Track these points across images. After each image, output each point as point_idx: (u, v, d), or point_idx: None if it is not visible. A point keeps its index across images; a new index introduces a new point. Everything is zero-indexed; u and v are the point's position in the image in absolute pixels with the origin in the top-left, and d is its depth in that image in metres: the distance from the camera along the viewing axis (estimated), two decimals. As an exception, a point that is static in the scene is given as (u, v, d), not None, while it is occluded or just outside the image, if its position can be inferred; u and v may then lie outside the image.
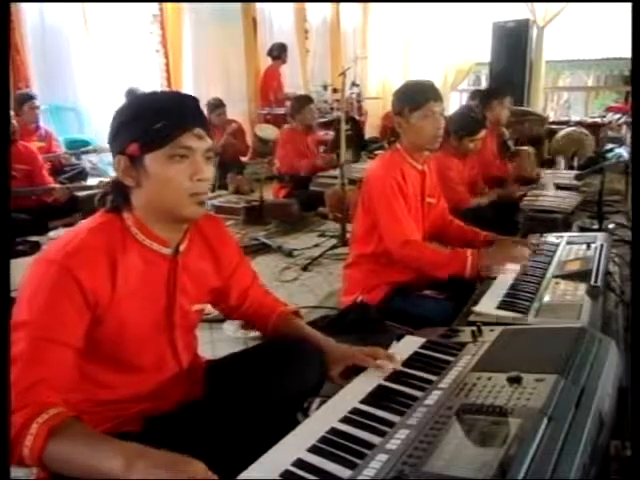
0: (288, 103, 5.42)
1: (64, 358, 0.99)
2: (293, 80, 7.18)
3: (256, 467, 0.88)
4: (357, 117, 7.11)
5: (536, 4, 7.26)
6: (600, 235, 2.14)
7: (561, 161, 5.30)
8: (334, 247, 3.48)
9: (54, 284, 0.99)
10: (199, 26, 6.16)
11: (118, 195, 1.13)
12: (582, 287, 1.60)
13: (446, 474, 0.78)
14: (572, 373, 1.00)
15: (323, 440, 0.93)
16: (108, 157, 5.24)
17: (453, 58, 8.24)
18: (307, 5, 7.75)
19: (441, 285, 2.05)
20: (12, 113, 3.84)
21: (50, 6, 4.95)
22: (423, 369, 1.17)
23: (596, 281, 1.63)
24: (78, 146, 4.87)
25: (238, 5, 6.59)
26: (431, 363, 1.19)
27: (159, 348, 1.19)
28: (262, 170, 4.45)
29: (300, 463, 0.87)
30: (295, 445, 0.92)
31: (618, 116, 6.57)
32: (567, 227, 2.89)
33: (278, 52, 6.53)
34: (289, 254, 3.49)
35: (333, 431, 0.96)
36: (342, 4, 8.37)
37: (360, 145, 6.30)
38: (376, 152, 5.02)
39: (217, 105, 5.29)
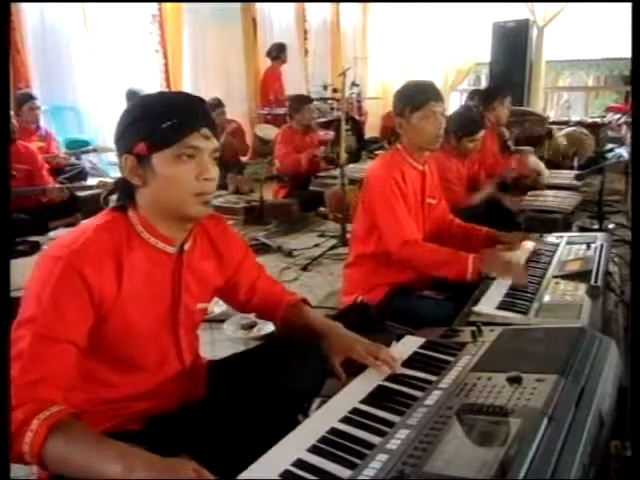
0: (288, 103, 5.42)
1: (67, 356, 0.99)
2: (293, 80, 7.18)
3: (256, 467, 0.88)
4: (357, 117, 7.12)
5: (536, 4, 7.26)
6: (600, 235, 2.14)
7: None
8: (334, 247, 3.48)
9: (59, 281, 0.99)
10: (199, 26, 6.16)
11: (124, 194, 1.14)
12: (582, 287, 1.60)
13: (446, 474, 0.78)
14: (572, 373, 1.00)
15: (323, 440, 0.93)
16: (108, 157, 5.26)
17: (453, 58, 8.24)
18: (307, 5, 7.75)
19: (441, 285, 2.04)
20: (12, 113, 3.84)
21: (50, 6, 4.94)
22: (423, 369, 1.17)
23: (596, 281, 1.63)
24: (78, 146, 4.86)
25: (238, 5, 6.59)
26: (431, 363, 1.20)
27: (163, 347, 1.20)
28: (262, 170, 4.45)
29: (300, 463, 0.87)
30: (295, 445, 0.92)
31: (618, 116, 6.57)
32: (567, 227, 2.89)
33: (277, 52, 6.52)
34: (289, 254, 3.49)
35: (333, 431, 0.96)
36: (342, 4, 8.37)
37: (360, 145, 6.31)
38: (376, 152, 5.01)
39: (216, 105, 5.28)
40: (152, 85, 5.70)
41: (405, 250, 1.95)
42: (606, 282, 1.73)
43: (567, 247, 2.04)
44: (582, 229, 2.93)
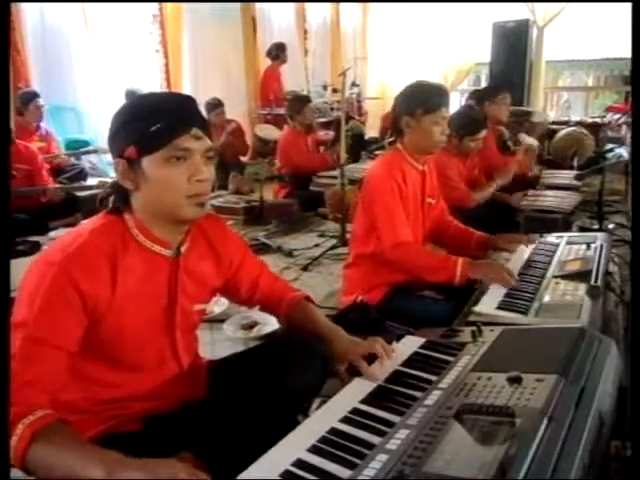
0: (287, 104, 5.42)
1: (56, 361, 0.99)
2: (293, 80, 7.17)
3: (256, 467, 0.87)
4: (357, 117, 7.11)
5: (536, 4, 7.26)
6: (600, 235, 2.14)
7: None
8: (334, 247, 3.48)
9: (52, 287, 0.99)
10: (199, 26, 6.16)
11: (119, 197, 1.13)
12: (582, 287, 1.59)
13: (446, 474, 0.78)
14: (572, 373, 1.00)
15: (323, 440, 0.93)
16: (108, 157, 5.24)
17: (453, 58, 8.24)
18: (307, 5, 7.75)
19: (441, 285, 2.04)
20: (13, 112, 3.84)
21: (50, 6, 4.94)
22: (423, 369, 1.17)
23: (596, 281, 1.63)
24: (78, 146, 4.87)
25: (238, 5, 6.59)
26: (431, 363, 1.19)
27: (159, 348, 1.19)
28: (262, 170, 4.45)
29: (300, 463, 0.87)
30: (295, 445, 0.92)
31: (618, 116, 6.57)
32: (567, 227, 2.89)
33: (277, 52, 6.52)
34: (289, 254, 3.49)
35: (333, 431, 0.96)
36: (342, 4, 8.37)
37: (360, 145, 6.30)
38: (376, 152, 5.01)
39: (215, 105, 5.29)
40: (152, 85, 5.70)
41: (396, 251, 1.95)
42: (606, 282, 1.73)
43: (567, 247, 2.04)
44: (582, 229, 2.93)
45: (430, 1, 8.02)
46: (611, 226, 3.19)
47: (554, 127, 5.90)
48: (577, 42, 7.99)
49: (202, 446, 1.06)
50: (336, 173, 3.95)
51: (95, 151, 4.83)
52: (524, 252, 2.04)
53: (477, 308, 1.57)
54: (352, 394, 1.09)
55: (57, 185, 3.95)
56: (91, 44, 5.25)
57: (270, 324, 2.21)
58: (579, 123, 6.15)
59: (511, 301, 1.59)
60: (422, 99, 1.97)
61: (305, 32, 7.77)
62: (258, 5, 6.90)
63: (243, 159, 5.76)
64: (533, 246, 2.10)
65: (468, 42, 8.02)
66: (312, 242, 3.75)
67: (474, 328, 1.29)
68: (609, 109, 7.24)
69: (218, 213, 3.83)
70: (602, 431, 0.87)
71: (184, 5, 5.91)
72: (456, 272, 1.87)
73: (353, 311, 2.02)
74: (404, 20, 8.56)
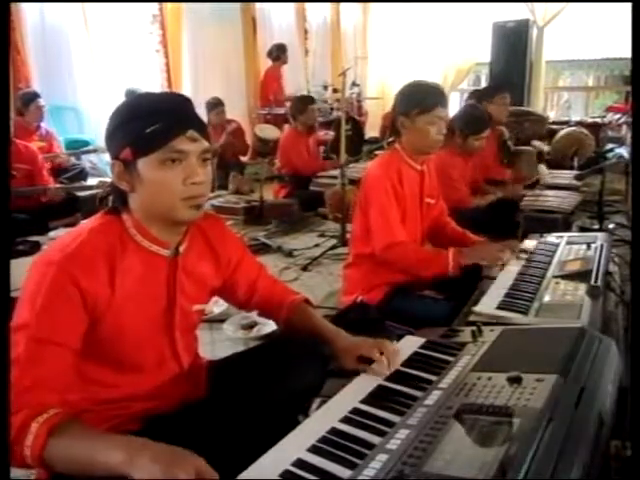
0: (288, 103, 5.43)
1: (62, 359, 0.99)
2: (293, 80, 7.18)
3: (256, 467, 0.87)
4: (357, 117, 7.12)
5: (536, 4, 7.26)
6: (600, 235, 2.14)
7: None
8: (334, 247, 3.48)
9: (52, 286, 0.99)
10: (199, 26, 6.16)
11: (117, 197, 1.13)
12: (582, 287, 1.59)
13: (446, 474, 0.78)
14: (572, 373, 0.99)
15: (323, 440, 0.93)
16: (108, 157, 5.21)
17: (453, 58, 8.25)
18: (307, 5, 7.76)
19: (441, 285, 2.05)
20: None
21: (50, 6, 4.94)
22: (423, 369, 1.17)
23: (596, 281, 1.63)
24: (78, 146, 4.87)
25: (238, 5, 6.59)
26: (431, 363, 1.19)
27: (159, 348, 1.19)
28: (262, 170, 4.45)
29: (300, 463, 0.87)
30: (295, 445, 0.92)
31: (618, 116, 6.57)
32: (567, 227, 2.88)
33: (277, 53, 6.52)
34: (289, 254, 3.49)
35: (333, 431, 0.96)
36: (342, 4, 8.37)
37: (360, 145, 6.30)
38: (376, 152, 5.02)
39: (216, 104, 5.29)
40: (152, 85, 5.70)
41: (389, 252, 1.96)
42: (606, 282, 1.73)
43: (567, 247, 2.04)
44: (582, 229, 2.93)
45: (430, 1, 8.02)
46: (611, 226, 3.19)
47: (554, 127, 5.90)
48: (577, 42, 8.00)
49: (202, 446, 1.05)
50: (336, 173, 3.95)
51: (95, 151, 4.84)
52: (524, 253, 2.03)
53: (477, 308, 1.57)
54: (352, 394, 1.09)
55: (57, 185, 3.95)
56: (91, 44, 5.26)
57: (270, 324, 2.21)
58: (579, 123, 6.15)
59: (511, 301, 1.59)
60: (417, 99, 1.97)
61: (305, 32, 7.77)
62: (258, 5, 6.90)
63: (243, 159, 5.76)
64: (532, 246, 2.09)
65: (468, 42, 8.03)
66: (312, 242, 3.75)
67: (474, 328, 1.29)
68: (609, 109, 7.25)
69: (218, 213, 3.83)
70: (602, 431, 0.87)
71: (184, 5, 5.91)
72: (448, 262, 1.90)
73: (353, 311, 2.03)
74: (404, 20, 8.57)
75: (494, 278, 1.81)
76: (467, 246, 2.18)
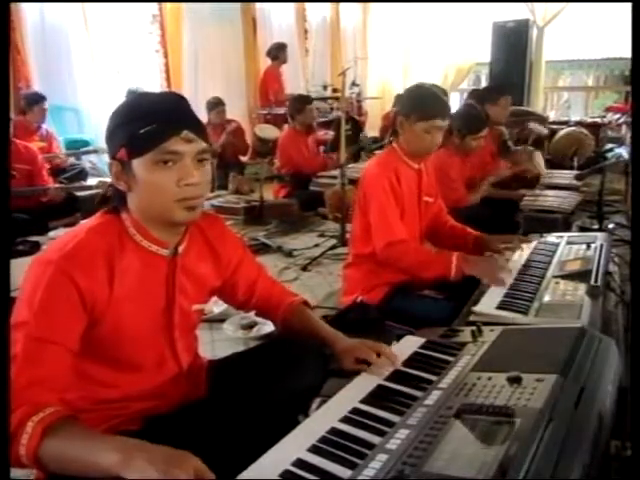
0: (288, 103, 5.43)
1: (60, 358, 0.99)
2: (293, 80, 7.18)
3: (256, 467, 0.87)
4: (357, 117, 7.12)
5: (536, 4, 7.27)
6: (600, 235, 2.14)
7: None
8: (334, 247, 3.48)
9: (51, 285, 0.99)
10: (199, 26, 6.16)
11: (116, 197, 1.13)
12: (582, 287, 1.59)
13: (446, 474, 0.78)
14: (572, 373, 1.00)
15: (323, 440, 0.93)
16: (108, 157, 5.23)
17: (453, 58, 8.25)
18: (307, 5, 7.76)
19: (441, 285, 2.05)
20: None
21: (50, 6, 4.94)
22: (423, 369, 1.17)
23: (596, 281, 1.63)
24: (78, 146, 4.87)
25: (238, 5, 6.59)
26: (431, 363, 1.19)
27: (158, 348, 1.19)
28: (262, 170, 4.45)
29: (300, 463, 0.87)
30: (295, 445, 0.92)
31: (618, 116, 6.58)
32: (567, 227, 2.89)
33: (276, 52, 6.52)
34: (289, 254, 3.49)
35: (333, 431, 0.96)
36: (342, 4, 8.37)
37: (360, 145, 6.30)
38: (375, 152, 5.02)
39: (216, 103, 5.29)
40: (152, 85, 5.70)
41: (389, 251, 1.96)
42: (606, 282, 1.73)
43: (567, 247, 2.04)
44: (582, 229, 2.93)
45: (430, 1, 8.02)
46: (611, 226, 3.19)
47: (554, 127, 5.90)
48: (577, 42, 8.00)
49: (202, 446, 1.05)
50: (336, 173, 3.95)
51: (95, 151, 4.84)
52: (524, 252, 2.04)
53: (477, 308, 1.57)
54: (352, 394, 1.09)
55: (57, 185, 3.95)
56: (91, 44, 5.25)
57: (270, 324, 2.20)
58: (579, 123, 6.15)
59: (511, 301, 1.59)
60: (419, 105, 1.97)
61: (305, 32, 7.77)
62: (258, 5, 6.90)
63: (243, 159, 5.76)
64: (533, 245, 2.10)
65: (468, 42, 8.03)
66: (312, 242, 3.75)
67: (474, 328, 1.29)
68: (609, 109, 7.25)
69: (218, 213, 3.83)
70: (602, 431, 0.87)
71: (184, 5, 5.91)
72: (451, 267, 1.88)
73: (353, 311, 2.03)
74: (404, 20, 8.57)
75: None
76: (468, 242, 2.18)
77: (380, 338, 1.30)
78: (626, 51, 6.08)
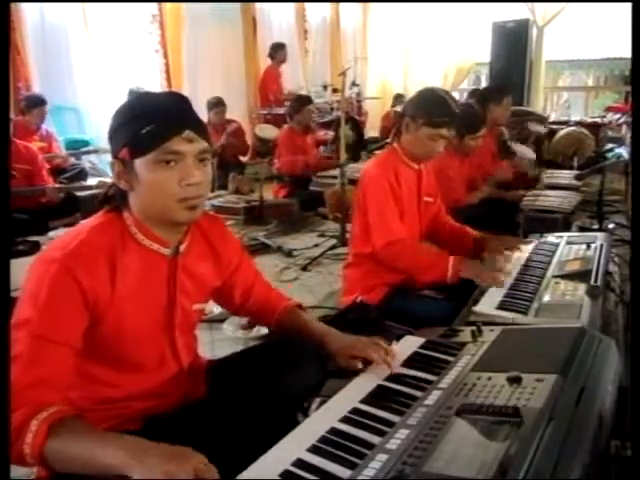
0: (288, 103, 5.43)
1: (63, 357, 0.99)
2: (293, 80, 7.18)
3: (256, 467, 0.87)
4: (357, 117, 7.12)
5: (536, 4, 7.27)
6: (600, 235, 2.14)
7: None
8: (334, 247, 3.48)
9: (54, 283, 0.99)
10: (199, 26, 6.16)
11: (118, 196, 1.13)
12: (582, 287, 1.60)
13: (446, 474, 0.78)
14: (572, 373, 1.00)
15: (323, 440, 0.93)
16: (108, 157, 5.22)
17: (453, 58, 8.26)
18: (307, 5, 7.76)
19: (441, 285, 2.04)
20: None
21: (50, 6, 4.95)
22: (423, 369, 1.17)
23: (596, 281, 1.63)
24: (78, 146, 4.87)
25: (238, 5, 6.59)
26: (431, 363, 1.19)
27: (159, 348, 1.19)
28: (262, 170, 4.45)
29: (300, 463, 0.87)
30: (295, 445, 0.92)
31: (618, 116, 6.58)
32: (567, 227, 2.88)
33: (274, 52, 6.52)
34: (289, 254, 3.49)
35: (333, 431, 0.96)
36: (342, 4, 8.37)
37: (360, 145, 6.31)
38: (376, 152, 5.02)
39: (216, 103, 5.28)
40: (152, 85, 5.70)
41: (388, 250, 1.95)
42: (606, 282, 1.73)
43: (567, 247, 2.04)
44: (582, 229, 2.93)
45: (430, 1, 8.03)
46: (611, 226, 3.20)
47: (554, 127, 5.90)
48: (577, 42, 8.01)
49: (202, 446, 1.06)
50: (336, 173, 3.95)
51: (95, 151, 4.84)
52: (524, 252, 2.04)
53: (477, 308, 1.57)
54: (352, 394, 1.09)
55: (57, 185, 3.95)
56: (91, 44, 5.25)
57: (270, 324, 2.21)
58: (579, 123, 6.15)
59: (511, 301, 1.59)
60: (428, 110, 1.94)
61: (305, 32, 7.77)
62: (258, 5, 6.90)
63: (243, 159, 5.76)
64: (533, 245, 2.09)
65: (468, 42, 8.04)
66: (312, 242, 3.75)
67: (474, 328, 1.29)
68: (609, 109, 7.26)
69: (218, 213, 3.84)
70: (602, 431, 0.87)
71: (184, 5, 5.91)
72: (447, 270, 1.88)
73: (353, 311, 2.02)
74: (404, 20, 8.57)
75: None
76: (468, 242, 2.18)
77: (380, 338, 1.30)
78: (626, 51, 6.08)
